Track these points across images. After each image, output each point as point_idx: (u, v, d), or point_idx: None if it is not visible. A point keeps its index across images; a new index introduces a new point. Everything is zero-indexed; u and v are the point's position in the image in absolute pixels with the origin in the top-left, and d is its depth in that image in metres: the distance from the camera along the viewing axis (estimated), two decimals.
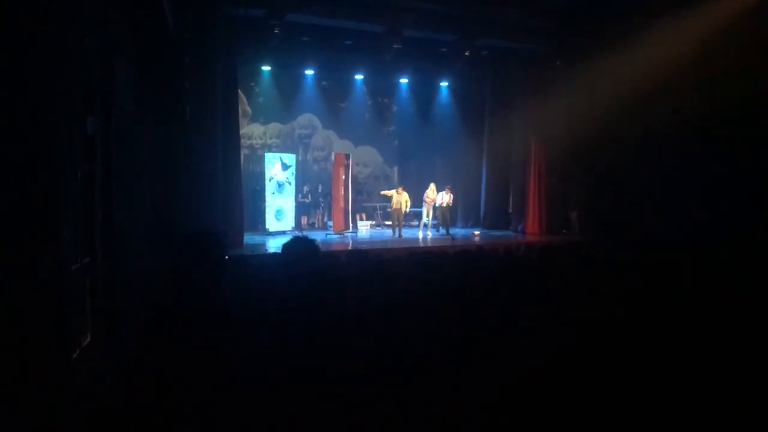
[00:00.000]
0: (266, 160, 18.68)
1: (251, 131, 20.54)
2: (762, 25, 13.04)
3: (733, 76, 13.21)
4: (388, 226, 20.21)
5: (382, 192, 19.55)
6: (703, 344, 3.45)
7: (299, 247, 3.93)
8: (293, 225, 18.84)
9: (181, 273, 3.38)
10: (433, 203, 19.39)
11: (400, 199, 18.30)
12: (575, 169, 18.80)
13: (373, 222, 21.29)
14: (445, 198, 19.14)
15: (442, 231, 19.16)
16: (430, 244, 16.59)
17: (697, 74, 14.02)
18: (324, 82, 21.01)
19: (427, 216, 19.56)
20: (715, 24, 13.91)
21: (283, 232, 18.12)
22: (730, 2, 13.76)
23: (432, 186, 19.40)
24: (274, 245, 15.25)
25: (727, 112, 13.36)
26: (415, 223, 21.08)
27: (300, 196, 19.72)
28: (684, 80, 14.36)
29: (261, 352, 2.92)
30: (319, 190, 20.62)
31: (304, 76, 20.37)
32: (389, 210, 19.77)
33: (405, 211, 18.56)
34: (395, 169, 23.35)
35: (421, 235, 19.15)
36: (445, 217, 19.33)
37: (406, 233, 19.02)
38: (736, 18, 13.60)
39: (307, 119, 21.60)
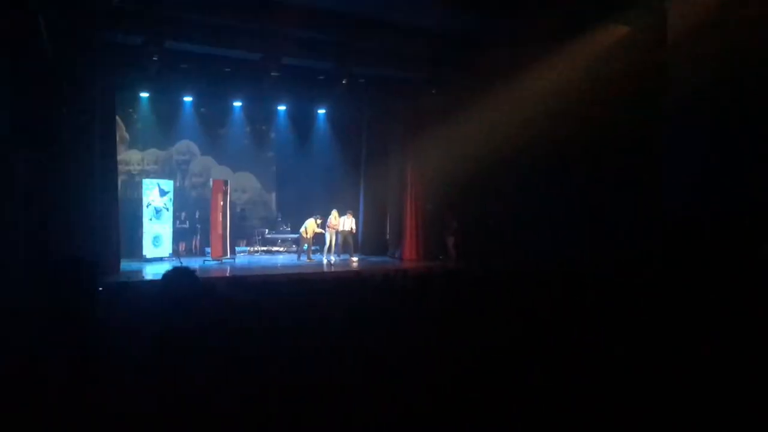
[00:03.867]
0: (144, 186, 18.46)
1: (129, 157, 20.09)
2: (631, 57, 14.00)
3: (603, 104, 14.09)
4: (265, 252, 20.87)
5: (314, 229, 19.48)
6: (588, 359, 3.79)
7: (179, 278, 3.96)
8: (170, 251, 18.65)
9: (51, 303, 3.43)
10: (335, 229, 19.69)
11: (313, 226, 18.95)
12: (451, 196, 19.34)
13: (252, 248, 21.28)
14: (347, 223, 19.59)
15: (344, 257, 19.52)
16: (309, 270, 16.72)
17: (571, 101, 14.81)
18: (202, 109, 20.77)
19: (330, 242, 19.76)
20: (588, 54, 14.81)
21: (161, 259, 17.95)
22: (602, 34, 14.72)
23: (334, 212, 19.70)
24: (151, 272, 15.14)
25: (603, 136, 14.26)
26: (294, 248, 21.24)
27: (178, 222, 19.51)
28: (558, 106, 15.11)
29: (142, 383, 3.04)
30: (197, 216, 20.37)
31: (182, 102, 20.13)
32: (294, 236, 20.75)
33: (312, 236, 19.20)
34: (273, 195, 23.35)
35: (325, 260, 19.37)
36: (347, 241, 19.76)
37: (286, 260, 19.45)
38: (609, 48, 14.55)
39: (185, 145, 21.34)
